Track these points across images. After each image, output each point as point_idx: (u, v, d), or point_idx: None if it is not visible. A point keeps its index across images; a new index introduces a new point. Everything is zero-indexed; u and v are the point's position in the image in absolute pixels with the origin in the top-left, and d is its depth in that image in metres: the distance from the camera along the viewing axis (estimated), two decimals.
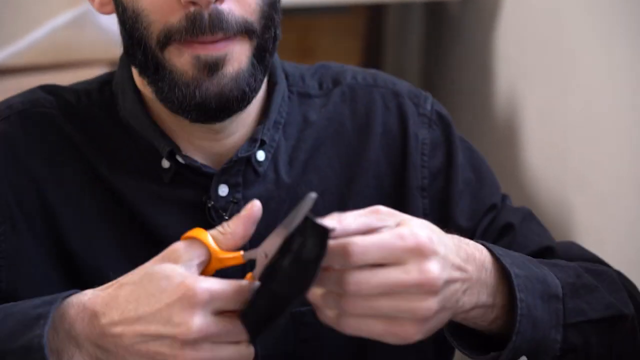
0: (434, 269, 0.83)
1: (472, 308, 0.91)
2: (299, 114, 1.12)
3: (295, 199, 1.09)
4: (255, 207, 0.88)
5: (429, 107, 1.16)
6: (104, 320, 0.86)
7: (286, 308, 0.82)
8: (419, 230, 0.84)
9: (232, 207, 1.06)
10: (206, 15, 0.96)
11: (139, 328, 0.84)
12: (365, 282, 0.81)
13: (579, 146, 1.87)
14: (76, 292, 0.90)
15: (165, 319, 0.83)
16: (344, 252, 0.81)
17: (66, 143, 1.07)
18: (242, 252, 0.87)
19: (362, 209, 0.86)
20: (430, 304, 0.83)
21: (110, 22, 2.10)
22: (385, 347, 0.86)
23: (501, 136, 2.22)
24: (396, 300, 0.82)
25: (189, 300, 0.83)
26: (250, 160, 1.07)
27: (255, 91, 1.02)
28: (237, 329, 0.85)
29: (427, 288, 0.83)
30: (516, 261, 0.95)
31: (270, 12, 1.01)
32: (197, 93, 0.98)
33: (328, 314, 0.84)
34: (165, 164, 1.06)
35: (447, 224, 1.11)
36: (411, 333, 0.83)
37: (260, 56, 1.01)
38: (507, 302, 0.94)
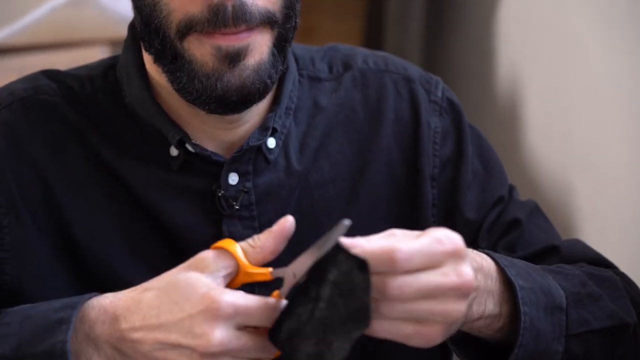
0: (469, 272, 0.84)
1: (479, 317, 0.92)
2: (309, 98, 1.11)
3: (307, 187, 1.08)
4: (287, 222, 0.87)
5: (440, 93, 1.15)
6: (125, 325, 0.85)
7: (345, 337, 0.81)
8: (451, 233, 0.85)
9: (242, 196, 1.04)
10: (229, 7, 0.94)
11: (159, 336, 0.83)
12: (407, 286, 0.82)
13: (581, 128, 1.86)
14: (96, 295, 0.89)
15: (186, 329, 0.82)
16: (390, 259, 0.81)
17: (69, 130, 1.05)
18: (270, 269, 0.86)
19: (378, 234, 0.86)
20: (462, 307, 0.84)
21: (111, 1, 2.09)
22: (396, 343, 0.86)
23: (503, 118, 2.22)
24: (432, 304, 0.83)
25: (212, 313, 0.82)
26: (260, 148, 1.05)
27: (275, 82, 1.01)
28: (258, 345, 0.84)
29: (463, 291, 0.84)
30: (521, 272, 0.95)
31: (293, 1, 1.00)
32: (218, 85, 0.97)
33: None
34: (174, 152, 1.04)
35: (454, 216, 1.12)
36: (437, 335, 0.84)
37: (281, 46, 1.00)
38: (512, 312, 0.95)
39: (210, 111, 1.00)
